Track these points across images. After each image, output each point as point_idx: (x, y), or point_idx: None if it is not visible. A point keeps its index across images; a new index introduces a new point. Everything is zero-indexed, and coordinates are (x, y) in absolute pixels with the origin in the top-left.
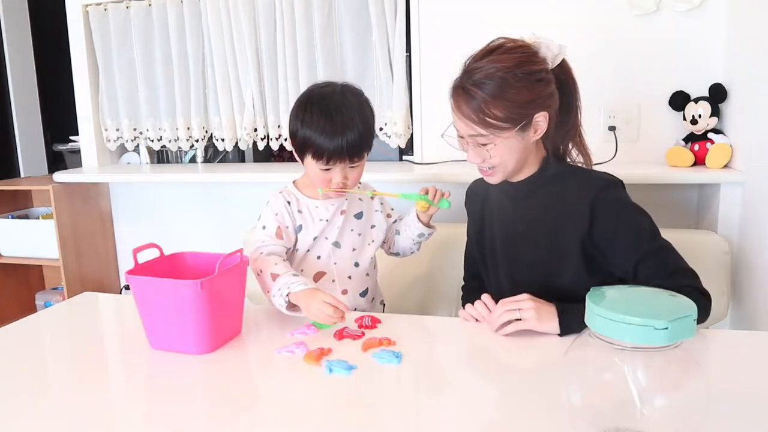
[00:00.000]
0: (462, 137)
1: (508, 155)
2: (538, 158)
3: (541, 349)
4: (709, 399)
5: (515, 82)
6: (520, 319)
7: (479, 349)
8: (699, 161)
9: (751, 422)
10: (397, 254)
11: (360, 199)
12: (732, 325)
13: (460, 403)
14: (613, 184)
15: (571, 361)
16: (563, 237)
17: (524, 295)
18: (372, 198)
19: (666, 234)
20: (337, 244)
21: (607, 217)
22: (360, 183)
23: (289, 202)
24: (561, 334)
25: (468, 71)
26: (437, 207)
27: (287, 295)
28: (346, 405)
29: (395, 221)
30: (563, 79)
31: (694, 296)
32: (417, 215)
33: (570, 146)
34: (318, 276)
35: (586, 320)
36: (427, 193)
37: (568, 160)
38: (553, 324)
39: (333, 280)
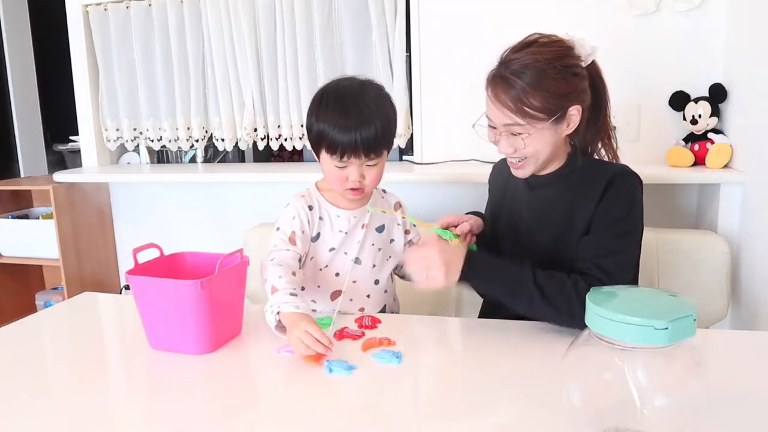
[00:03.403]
0: (494, 128)
1: (541, 146)
2: (564, 154)
3: (541, 349)
4: (709, 399)
5: (554, 74)
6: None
7: (479, 349)
8: (699, 161)
9: (751, 422)
10: (402, 277)
11: (383, 211)
12: (732, 325)
13: (460, 404)
14: (632, 175)
15: (571, 361)
16: (575, 223)
17: (432, 248)
18: (396, 211)
19: (666, 234)
20: (357, 261)
21: (610, 199)
22: (384, 192)
23: (311, 207)
24: (459, 282)
25: (506, 62)
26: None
27: (278, 313)
28: (345, 405)
29: (410, 242)
30: (594, 78)
31: (566, 292)
32: (400, 267)
33: (599, 146)
34: (335, 295)
35: (587, 320)
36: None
37: (596, 157)
38: (455, 278)
39: (351, 299)
